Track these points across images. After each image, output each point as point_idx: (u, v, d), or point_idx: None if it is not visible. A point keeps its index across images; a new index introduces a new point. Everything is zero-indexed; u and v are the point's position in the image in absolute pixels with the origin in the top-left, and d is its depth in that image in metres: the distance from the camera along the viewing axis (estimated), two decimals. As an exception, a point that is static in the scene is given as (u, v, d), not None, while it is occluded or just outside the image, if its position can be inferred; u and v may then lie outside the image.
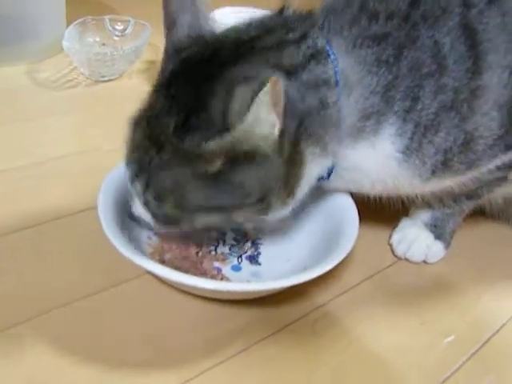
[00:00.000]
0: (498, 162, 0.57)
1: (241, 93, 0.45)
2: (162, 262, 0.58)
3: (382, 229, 0.69)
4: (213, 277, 0.58)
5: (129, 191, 0.54)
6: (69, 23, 1.03)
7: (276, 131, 0.47)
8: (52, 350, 0.49)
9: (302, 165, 0.52)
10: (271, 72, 0.46)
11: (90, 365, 0.49)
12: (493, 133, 0.54)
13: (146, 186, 0.51)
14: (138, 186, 0.52)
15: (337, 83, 0.51)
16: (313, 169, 0.54)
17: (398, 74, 0.51)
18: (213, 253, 0.61)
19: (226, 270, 0.60)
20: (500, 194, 0.66)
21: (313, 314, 0.57)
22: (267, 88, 0.43)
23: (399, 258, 0.67)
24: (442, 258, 0.67)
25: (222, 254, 0.62)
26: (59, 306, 0.54)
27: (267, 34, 0.52)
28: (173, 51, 0.54)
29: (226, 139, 0.46)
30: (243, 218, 0.54)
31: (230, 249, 0.62)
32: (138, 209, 0.54)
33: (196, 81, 0.49)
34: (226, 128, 0.46)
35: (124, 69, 1.02)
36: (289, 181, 0.51)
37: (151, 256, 0.58)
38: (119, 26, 1.08)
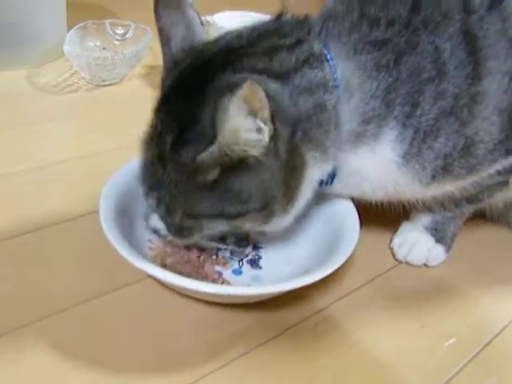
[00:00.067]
0: (498, 166, 0.57)
1: (224, 100, 0.45)
2: (164, 266, 0.58)
3: (383, 232, 0.69)
4: (214, 281, 0.58)
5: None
6: (69, 27, 1.03)
7: (265, 136, 0.47)
8: (53, 355, 0.49)
9: (302, 169, 0.52)
10: (255, 78, 0.46)
11: (92, 369, 0.49)
12: (493, 137, 0.54)
13: (158, 202, 0.53)
14: (151, 201, 0.53)
15: (336, 88, 0.51)
16: (314, 173, 0.54)
17: (398, 79, 0.52)
18: (214, 257, 0.61)
19: (227, 273, 0.60)
20: (500, 198, 0.66)
21: (313, 317, 0.57)
22: (241, 93, 0.43)
23: (400, 262, 0.67)
24: (443, 262, 0.67)
25: (223, 257, 0.62)
26: (60, 311, 0.54)
27: (259, 40, 0.52)
28: (170, 66, 0.54)
29: (215, 149, 0.47)
30: (248, 226, 0.55)
31: (231, 253, 0.62)
32: (154, 221, 0.56)
33: (189, 93, 0.50)
34: (215, 138, 0.46)
35: (125, 73, 1.02)
36: (290, 185, 0.52)
37: (153, 260, 0.58)
38: (120, 31, 1.08)
